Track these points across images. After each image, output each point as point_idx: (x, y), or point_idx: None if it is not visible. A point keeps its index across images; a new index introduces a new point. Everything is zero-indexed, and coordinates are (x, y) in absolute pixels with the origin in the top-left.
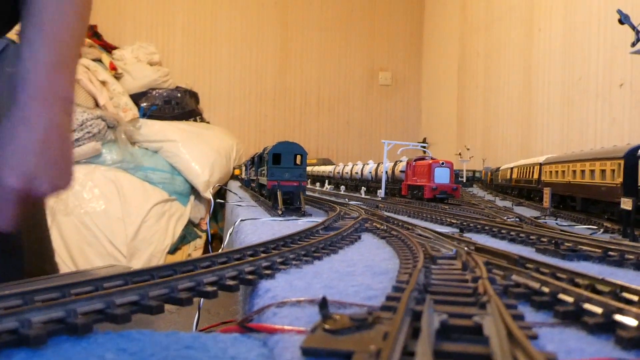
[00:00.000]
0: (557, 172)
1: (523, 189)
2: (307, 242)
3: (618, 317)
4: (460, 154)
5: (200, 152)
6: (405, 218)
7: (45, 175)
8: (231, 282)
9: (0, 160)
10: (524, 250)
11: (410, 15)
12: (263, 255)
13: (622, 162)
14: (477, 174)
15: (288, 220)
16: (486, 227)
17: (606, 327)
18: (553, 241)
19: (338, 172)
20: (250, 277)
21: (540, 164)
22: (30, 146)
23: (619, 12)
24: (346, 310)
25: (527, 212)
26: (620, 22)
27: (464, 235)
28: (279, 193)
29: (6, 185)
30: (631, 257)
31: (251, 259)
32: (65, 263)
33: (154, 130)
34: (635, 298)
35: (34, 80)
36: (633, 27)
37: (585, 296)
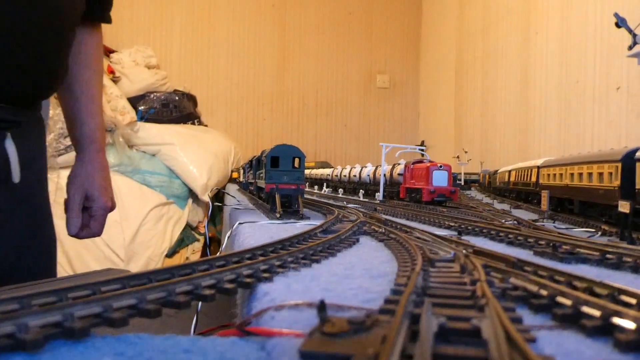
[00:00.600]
0: (554, 175)
1: (521, 191)
2: (306, 245)
3: (616, 320)
4: (458, 156)
5: (198, 155)
6: (403, 221)
7: (113, 196)
8: (229, 286)
9: (92, 188)
10: (522, 253)
11: (408, 18)
12: (261, 258)
13: (619, 165)
14: (472, 177)
15: (286, 223)
16: (484, 230)
17: (604, 330)
18: (551, 244)
19: (336, 175)
20: (248, 280)
21: (538, 167)
22: (106, 179)
23: (616, 15)
24: (344, 314)
25: (525, 214)
26: (617, 25)
27: (462, 238)
28: (277, 196)
29: (104, 206)
30: (629, 259)
31: (249, 262)
32: (62, 267)
33: (152, 133)
34: (633, 301)
35: (98, 140)
36: (630, 31)
37: (583, 299)
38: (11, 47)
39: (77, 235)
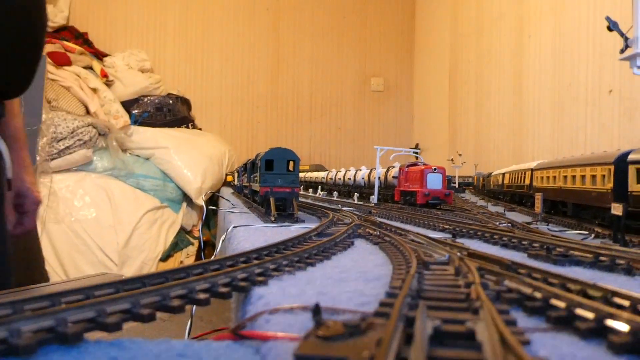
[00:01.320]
0: (548, 177)
1: (515, 194)
2: (300, 249)
3: (609, 322)
4: (452, 159)
5: (192, 158)
6: (398, 224)
7: (39, 190)
8: (224, 289)
9: (22, 186)
10: (516, 255)
11: (402, 22)
12: (256, 262)
13: (612, 167)
14: (467, 179)
15: (281, 226)
16: (478, 233)
17: (598, 332)
18: (545, 246)
19: (331, 178)
20: (243, 284)
21: (532, 170)
22: (33, 175)
23: (608, 19)
24: (339, 317)
25: (519, 217)
26: (609, 29)
27: (457, 240)
28: (271, 199)
29: (36, 200)
30: (622, 262)
31: (244, 265)
32: (55, 271)
33: (146, 137)
34: (626, 303)
35: (22, 139)
36: (622, 34)
37: (577, 301)
38: (7, 42)
39: (13, 232)
